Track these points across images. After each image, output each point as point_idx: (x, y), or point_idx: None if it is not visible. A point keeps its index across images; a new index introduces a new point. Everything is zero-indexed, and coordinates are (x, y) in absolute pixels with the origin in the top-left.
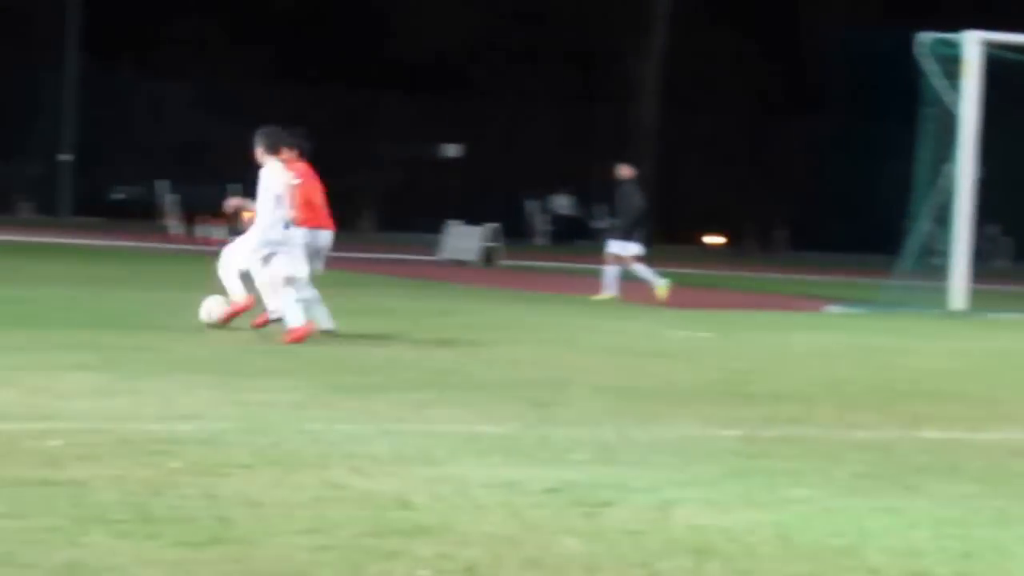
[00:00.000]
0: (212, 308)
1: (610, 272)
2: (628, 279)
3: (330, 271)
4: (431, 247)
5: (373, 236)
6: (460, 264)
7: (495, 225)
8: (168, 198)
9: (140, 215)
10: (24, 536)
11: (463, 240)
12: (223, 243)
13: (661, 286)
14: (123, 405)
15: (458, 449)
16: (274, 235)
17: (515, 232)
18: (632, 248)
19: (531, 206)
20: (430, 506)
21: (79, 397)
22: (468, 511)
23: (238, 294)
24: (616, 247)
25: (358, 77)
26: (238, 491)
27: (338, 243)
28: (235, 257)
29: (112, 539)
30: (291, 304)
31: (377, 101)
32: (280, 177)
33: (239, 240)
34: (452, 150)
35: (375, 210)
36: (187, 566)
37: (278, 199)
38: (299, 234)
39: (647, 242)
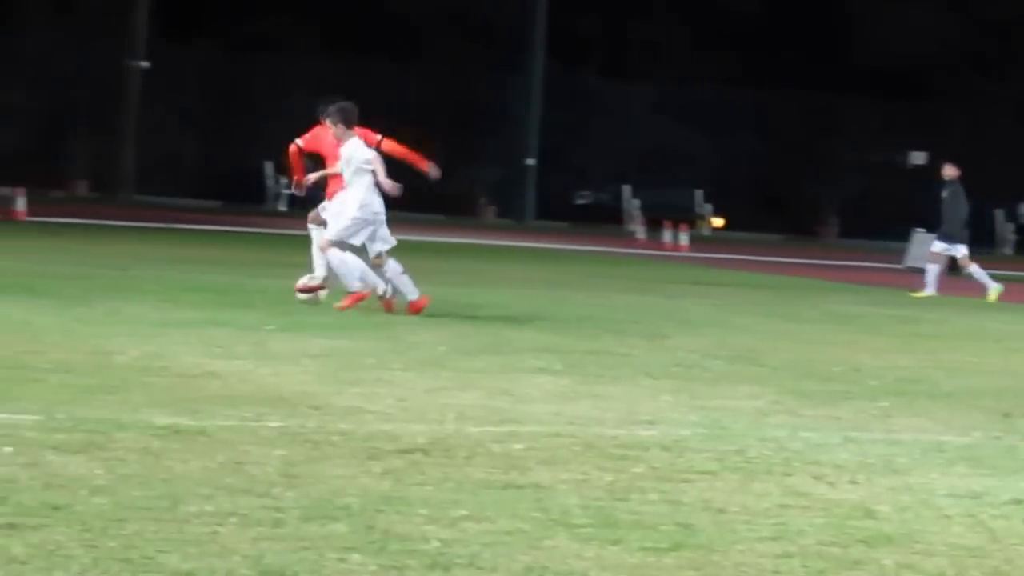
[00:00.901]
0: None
1: (932, 270)
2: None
3: (789, 277)
4: (894, 254)
5: (835, 243)
6: (925, 272)
7: None
8: (632, 202)
9: (604, 219)
10: (487, 539)
11: (928, 248)
12: (684, 249)
13: (994, 290)
14: (585, 409)
15: (922, 458)
16: (373, 209)
17: (980, 240)
18: (961, 249)
19: (997, 215)
20: (894, 515)
21: (541, 401)
22: (932, 521)
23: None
24: (941, 247)
25: (821, 82)
26: (701, 497)
27: (799, 249)
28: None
29: (575, 543)
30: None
31: (840, 107)
32: (365, 151)
33: (333, 217)
34: (918, 158)
35: (838, 217)
36: (648, 571)
37: (369, 172)
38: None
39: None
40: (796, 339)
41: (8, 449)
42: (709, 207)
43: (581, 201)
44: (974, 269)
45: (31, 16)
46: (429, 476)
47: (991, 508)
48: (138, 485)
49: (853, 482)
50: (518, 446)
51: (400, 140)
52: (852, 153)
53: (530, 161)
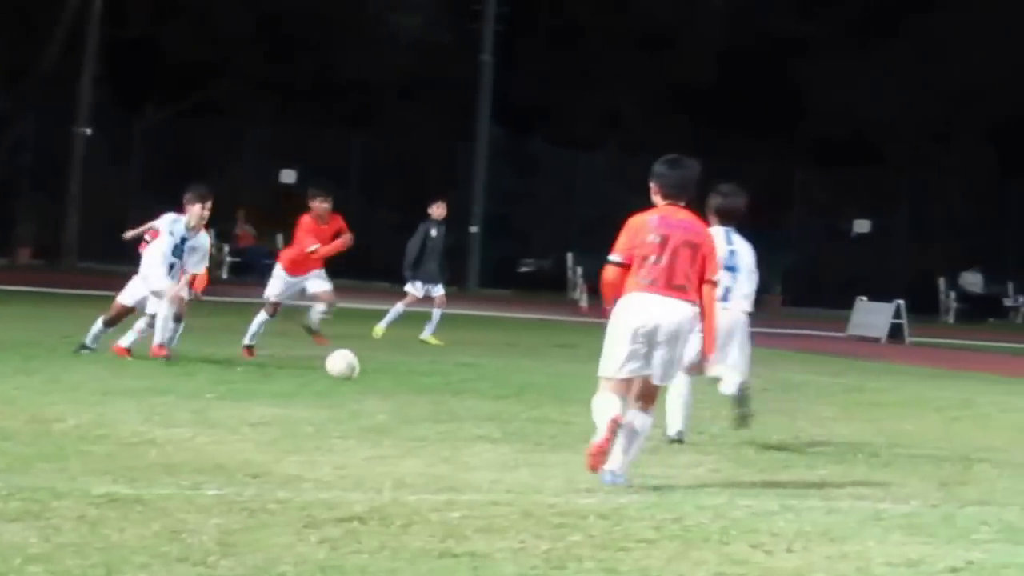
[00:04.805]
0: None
1: (400, 308)
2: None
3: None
4: (838, 322)
5: (781, 311)
6: (868, 340)
7: (901, 302)
8: (575, 270)
9: (549, 287)
10: None
11: (871, 316)
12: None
13: (382, 328)
14: (524, 477)
15: (859, 527)
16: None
17: (924, 309)
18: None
19: (941, 283)
20: None
21: (481, 469)
22: None
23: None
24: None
25: (772, 151)
26: (638, 566)
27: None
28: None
29: None
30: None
31: (790, 175)
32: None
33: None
34: (862, 226)
35: (783, 284)
36: None
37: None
38: None
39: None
40: None
41: None
42: None
43: (525, 269)
44: (400, 306)
45: None
46: (365, 545)
47: None
48: (73, 554)
49: (790, 550)
50: (455, 514)
51: (349, 207)
52: (801, 221)
53: (474, 228)
